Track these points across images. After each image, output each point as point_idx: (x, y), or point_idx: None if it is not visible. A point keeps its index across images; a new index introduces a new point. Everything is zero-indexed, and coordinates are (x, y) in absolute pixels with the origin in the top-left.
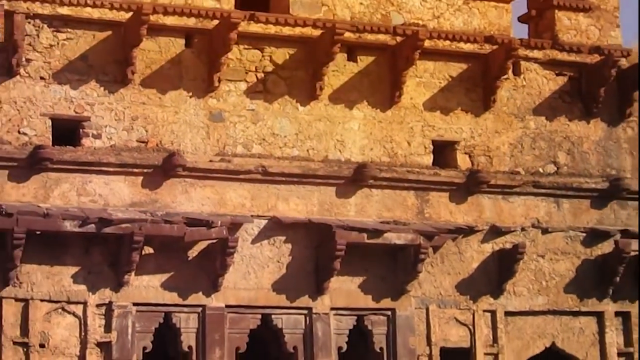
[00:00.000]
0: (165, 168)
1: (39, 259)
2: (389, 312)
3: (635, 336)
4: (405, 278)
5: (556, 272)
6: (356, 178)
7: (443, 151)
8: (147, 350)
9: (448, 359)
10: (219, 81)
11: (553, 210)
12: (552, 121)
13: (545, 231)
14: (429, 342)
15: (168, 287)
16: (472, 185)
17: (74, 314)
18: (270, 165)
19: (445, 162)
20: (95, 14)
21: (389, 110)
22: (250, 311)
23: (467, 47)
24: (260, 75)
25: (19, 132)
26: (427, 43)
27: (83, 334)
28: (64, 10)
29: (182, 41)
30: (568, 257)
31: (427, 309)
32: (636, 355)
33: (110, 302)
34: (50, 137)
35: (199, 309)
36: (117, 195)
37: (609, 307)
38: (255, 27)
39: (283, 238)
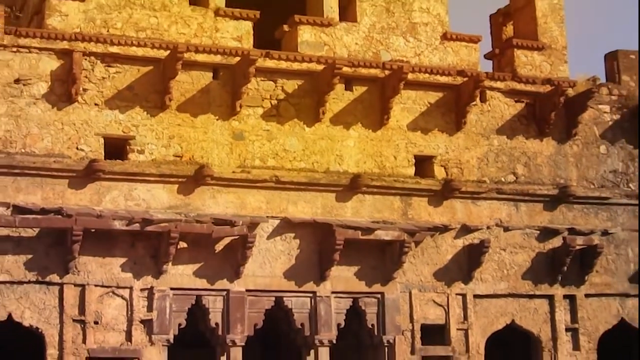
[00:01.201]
0: (196, 178)
1: (94, 252)
2: (379, 295)
3: (579, 315)
4: (392, 267)
5: (515, 263)
6: (352, 186)
7: (423, 164)
8: (181, 326)
9: (427, 333)
10: (240, 107)
11: (513, 212)
12: (511, 139)
13: (506, 229)
14: (411, 320)
15: (199, 274)
16: (446, 191)
17: (122, 297)
18: (282, 175)
19: (425, 173)
20: (139, 52)
21: (379, 130)
22: (265, 294)
23: (443, 79)
24: (274, 102)
25: (77, 148)
26: (410, 76)
27: (129, 313)
28: (114, 49)
29: (210, 74)
30: (525, 250)
31: (410, 293)
32: (581, 330)
33: (152, 287)
34: (103, 153)
35: (224, 293)
36: (157, 200)
37: (558, 291)
38: (269, 63)
39: (292, 235)
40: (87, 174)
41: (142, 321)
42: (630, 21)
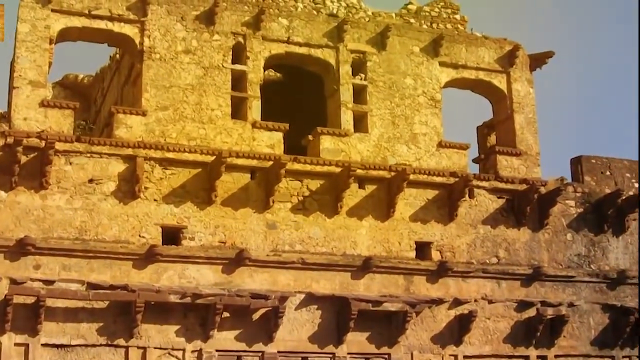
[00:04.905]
0: (237, 260)
1: (153, 320)
2: (386, 356)
3: None
4: (397, 333)
5: (497, 329)
6: (364, 266)
7: (422, 248)
8: None
9: None
10: (273, 202)
11: (495, 288)
12: (494, 229)
13: (490, 302)
14: None
15: (239, 339)
16: (441, 271)
17: (176, 357)
18: (307, 258)
19: (424, 255)
20: (190, 157)
21: (386, 221)
22: (293, 355)
23: (438, 179)
24: (300, 198)
25: (139, 235)
26: (411, 177)
27: None
28: (170, 155)
29: (248, 175)
30: (505, 319)
31: (412, 354)
32: None
33: (201, 349)
34: (161, 239)
35: (260, 354)
36: (205, 278)
37: (532, 352)
38: (297, 166)
39: (315, 307)
40: (147, 257)
41: None
42: (591, 131)
